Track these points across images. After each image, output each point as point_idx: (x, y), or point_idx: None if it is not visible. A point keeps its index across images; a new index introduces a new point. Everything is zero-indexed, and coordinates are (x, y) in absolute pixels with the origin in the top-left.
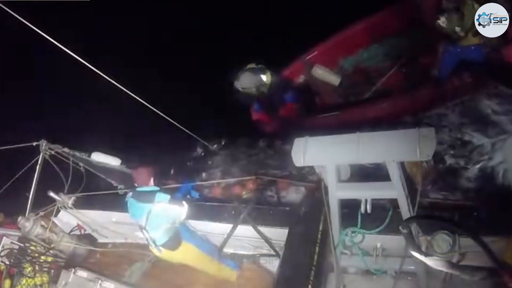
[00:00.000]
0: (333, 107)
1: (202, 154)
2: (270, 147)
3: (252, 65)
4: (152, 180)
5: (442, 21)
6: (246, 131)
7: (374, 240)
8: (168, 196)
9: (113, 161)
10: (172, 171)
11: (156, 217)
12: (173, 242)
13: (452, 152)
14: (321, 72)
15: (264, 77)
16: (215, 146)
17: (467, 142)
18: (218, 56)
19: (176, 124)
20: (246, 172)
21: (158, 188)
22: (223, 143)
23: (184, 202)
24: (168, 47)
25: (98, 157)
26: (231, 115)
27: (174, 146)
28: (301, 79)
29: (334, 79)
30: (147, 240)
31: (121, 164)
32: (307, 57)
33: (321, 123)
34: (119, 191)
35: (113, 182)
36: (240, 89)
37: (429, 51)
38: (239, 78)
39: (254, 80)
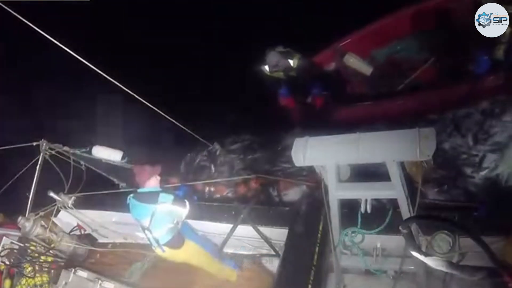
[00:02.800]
0: (363, 97)
1: (207, 153)
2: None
3: (280, 49)
4: (155, 179)
5: None
6: (255, 127)
7: (374, 240)
8: (171, 197)
9: (114, 154)
10: (182, 168)
11: (160, 218)
12: (177, 241)
13: (460, 157)
14: (353, 61)
15: (291, 62)
16: (216, 146)
17: (477, 148)
18: (243, 42)
19: (177, 123)
20: (248, 171)
21: (160, 189)
22: (232, 140)
23: (186, 202)
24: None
25: (100, 151)
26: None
27: (180, 144)
28: (332, 66)
29: (366, 69)
30: (149, 240)
31: (123, 157)
32: (340, 45)
33: (349, 113)
34: (120, 190)
35: (115, 180)
36: (267, 72)
37: (465, 47)
38: (266, 58)
39: (281, 61)
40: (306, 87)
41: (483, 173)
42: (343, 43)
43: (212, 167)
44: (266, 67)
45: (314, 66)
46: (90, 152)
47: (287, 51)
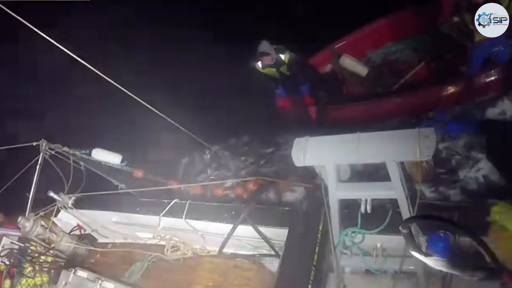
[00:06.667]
0: (358, 98)
1: (207, 155)
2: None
3: (273, 46)
4: None
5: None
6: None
7: (374, 240)
8: None
9: (114, 158)
10: (184, 160)
11: None
12: None
13: (455, 158)
14: (349, 62)
15: (282, 56)
16: (216, 148)
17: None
18: (240, 41)
19: (177, 124)
20: (247, 173)
21: None
22: (231, 142)
23: None
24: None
25: (99, 154)
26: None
27: (180, 146)
28: (328, 67)
29: (361, 70)
30: None
31: (122, 160)
32: (336, 46)
33: (345, 113)
34: (120, 191)
35: (114, 181)
36: (260, 69)
37: (458, 48)
38: (257, 48)
39: (272, 53)
40: (298, 86)
41: (478, 174)
42: (339, 44)
43: (208, 170)
44: (259, 64)
45: (305, 63)
46: (89, 154)
47: (279, 47)
